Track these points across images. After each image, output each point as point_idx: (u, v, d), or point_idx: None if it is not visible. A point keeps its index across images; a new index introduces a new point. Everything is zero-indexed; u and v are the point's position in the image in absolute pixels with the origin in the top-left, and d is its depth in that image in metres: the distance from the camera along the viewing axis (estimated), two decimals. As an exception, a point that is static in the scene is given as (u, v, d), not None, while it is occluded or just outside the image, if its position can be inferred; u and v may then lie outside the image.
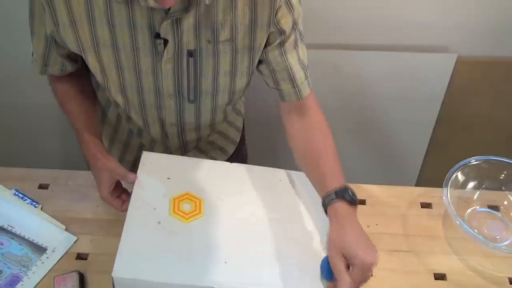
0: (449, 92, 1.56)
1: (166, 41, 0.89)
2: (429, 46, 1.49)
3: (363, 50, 1.49)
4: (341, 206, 0.91)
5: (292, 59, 0.97)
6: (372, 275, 0.87)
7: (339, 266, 0.86)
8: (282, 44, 0.95)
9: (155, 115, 1.05)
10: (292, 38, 0.95)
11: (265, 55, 0.96)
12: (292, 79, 0.99)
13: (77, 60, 1.03)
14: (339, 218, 0.91)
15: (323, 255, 0.95)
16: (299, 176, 1.08)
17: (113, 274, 0.85)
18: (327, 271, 0.90)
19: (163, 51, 0.90)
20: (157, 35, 0.88)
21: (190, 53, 0.92)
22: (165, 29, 0.87)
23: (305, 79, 1.01)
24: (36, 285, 0.96)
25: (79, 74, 1.07)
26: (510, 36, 1.47)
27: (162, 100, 1.00)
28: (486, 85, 1.56)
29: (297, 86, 1.00)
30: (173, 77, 0.95)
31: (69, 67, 1.02)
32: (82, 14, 0.87)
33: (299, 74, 0.99)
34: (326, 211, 0.94)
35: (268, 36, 0.93)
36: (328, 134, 1.01)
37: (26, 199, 1.09)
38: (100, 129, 1.10)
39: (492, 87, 1.57)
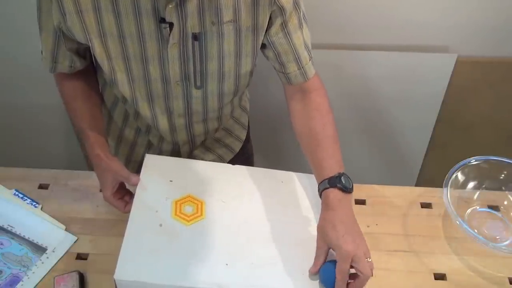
0: (449, 92, 1.56)
1: (171, 26, 0.90)
2: (429, 46, 1.49)
3: (363, 50, 1.49)
4: (332, 194, 0.94)
5: (297, 40, 0.99)
6: (371, 274, 0.88)
7: (320, 249, 0.91)
8: (285, 25, 0.96)
9: (162, 105, 1.05)
10: (295, 18, 0.96)
11: (270, 37, 0.98)
12: (297, 61, 1.01)
13: (85, 56, 1.03)
14: (329, 205, 0.94)
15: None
16: (302, 177, 1.08)
17: (115, 277, 0.86)
18: (325, 279, 0.90)
19: (169, 35, 0.91)
20: (162, 20, 0.89)
21: (195, 37, 0.92)
22: (170, 13, 0.87)
23: (310, 60, 1.02)
24: (36, 285, 0.96)
25: (87, 73, 1.07)
26: (510, 36, 1.46)
27: (169, 88, 1.00)
28: (486, 85, 1.56)
29: (302, 67, 1.02)
30: (179, 63, 0.96)
31: (78, 64, 1.02)
32: (88, 2, 0.88)
33: (303, 55, 1.01)
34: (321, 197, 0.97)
35: (270, 15, 0.94)
36: (328, 118, 1.03)
37: (26, 199, 1.09)
38: (105, 129, 1.09)
39: (492, 87, 1.57)
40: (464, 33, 1.46)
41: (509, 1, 1.39)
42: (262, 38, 0.97)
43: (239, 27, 0.93)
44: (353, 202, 1.12)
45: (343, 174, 0.96)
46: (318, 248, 0.93)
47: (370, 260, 0.89)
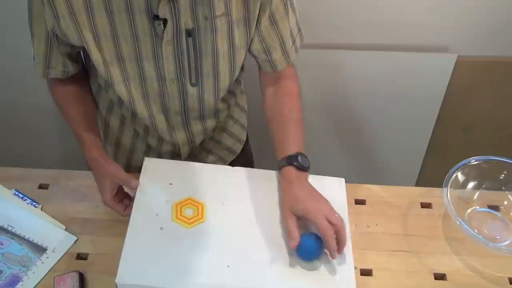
0: (449, 92, 1.56)
1: (165, 23, 0.90)
2: (429, 46, 1.49)
3: (363, 50, 1.49)
4: (288, 171, 0.98)
5: (283, 28, 1.00)
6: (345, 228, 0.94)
7: (290, 224, 0.92)
8: (272, 16, 0.98)
9: (159, 104, 1.05)
10: (281, 6, 0.98)
11: (259, 30, 0.99)
12: (282, 47, 1.03)
13: (77, 60, 1.03)
14: (287, 181, 0.97)
15: (327, 257, 0.95)
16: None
17: (117, 281, 0.86)
18: (308, 250, 0.92)
19: (163, 32, 0.91)
20: (156, 17, 0.89)
21: (189, 33, 0.93)
22: (163, 9, 0.88)
23: (293, 45, 1.04)
24: (36, 285, 0.96)
25: (79, 78, 1.07)
26: (510, 36, 1.46)
27: (164, 86, 1.01)
28: (486, 85, 1.56)
29: (286, 52, 1.04)
30: (174, 60, 0.96)
31: (71, 68, 1.02)
32: (80, 3, 0.88)
33: (288, 41, 1.03)
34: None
35: (260, 5, 0.95)
36: (296, 103, 1.07)
37: (26, 199, 1.09)
38: (101, 135, 1.09)
39: (492, 87, 1.57)
40: (464, 33, 1.46)
41: (509, 1, 1.39)
42: (254, 29, 0.98)
43: (231, 20, 0.94)
44: (353, 202, 1.12)
45: (300, 153, 0.99)
46: (287, 220, 0.94)
47: (337, 215, 0.93)
